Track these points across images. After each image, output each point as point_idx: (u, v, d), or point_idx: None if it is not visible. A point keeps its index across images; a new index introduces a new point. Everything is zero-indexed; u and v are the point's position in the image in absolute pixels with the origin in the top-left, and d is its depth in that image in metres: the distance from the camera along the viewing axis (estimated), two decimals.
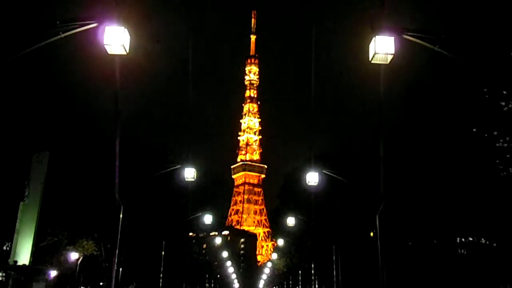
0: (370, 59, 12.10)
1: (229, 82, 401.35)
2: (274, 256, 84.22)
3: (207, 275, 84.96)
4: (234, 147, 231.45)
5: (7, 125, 26.36)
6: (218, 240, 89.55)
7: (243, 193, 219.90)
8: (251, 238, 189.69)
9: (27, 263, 24.39)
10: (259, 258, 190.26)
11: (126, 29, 11.89)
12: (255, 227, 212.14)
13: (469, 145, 23.25)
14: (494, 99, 15.58)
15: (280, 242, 70.25)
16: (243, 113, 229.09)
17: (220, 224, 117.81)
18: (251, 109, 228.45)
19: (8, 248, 28.21)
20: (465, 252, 30.99)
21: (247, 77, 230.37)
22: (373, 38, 11.89)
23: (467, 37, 13.40)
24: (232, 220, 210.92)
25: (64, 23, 11.77)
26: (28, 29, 11.93)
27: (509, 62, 12.67)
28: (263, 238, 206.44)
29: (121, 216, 27.29)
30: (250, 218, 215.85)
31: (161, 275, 41.16)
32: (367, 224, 33.61)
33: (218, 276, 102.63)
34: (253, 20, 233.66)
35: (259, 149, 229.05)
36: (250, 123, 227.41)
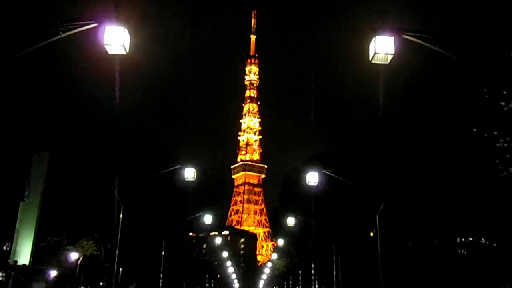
0: (370, 59, 12.11)
1: (229, 82, 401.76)
2: (274, 256, 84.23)
3: (207, 275, 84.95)
4: (234, 147, 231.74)
5: (7, 125, 26.34)
6: (218, 240, 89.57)
7: (243, 193, 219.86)
8: (251, 238, 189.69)
9: (27, 263, 24.38)
10: (259, 258, 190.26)
11: (126, 29, 11.90)
12: (255, 227, 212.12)
13: (469, 145, 23.24)
14: (494, 99, 15.58)
15: (280, 242, 70.29)
16: (243, 113, 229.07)
17: (220, 224, 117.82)
18: (251, 109, 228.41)
19: (8, 248, 28.19)
20: (465, 252, 30.96)
21: (247, 77, 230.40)
22: (373, 38, 11.90)
23: (467, 37, 13.41)
24: (232, 220, 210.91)
25: (64, 23, 11.77)
26: (28, 29, 11.93)
27: (509, 62, 12.67)
28: (263, 238, 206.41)
29: (121, 216, 27.30)
30: (250, 218, 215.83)
31: (161, 275, 41.17)
32: (367, 224, 33.60)
33: (218, 276, 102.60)
34: (253, 20, 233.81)
35: (259, 149, 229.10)
36: (250, 123, 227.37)
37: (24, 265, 24.30)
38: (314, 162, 38.32)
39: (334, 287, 41.14)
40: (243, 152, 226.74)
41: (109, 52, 12.06)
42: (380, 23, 12.11)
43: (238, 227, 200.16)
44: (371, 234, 33.80)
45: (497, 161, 16.69)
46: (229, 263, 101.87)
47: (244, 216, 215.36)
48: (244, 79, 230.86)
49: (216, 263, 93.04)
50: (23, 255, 24.40)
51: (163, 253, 40.61)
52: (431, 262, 31.12)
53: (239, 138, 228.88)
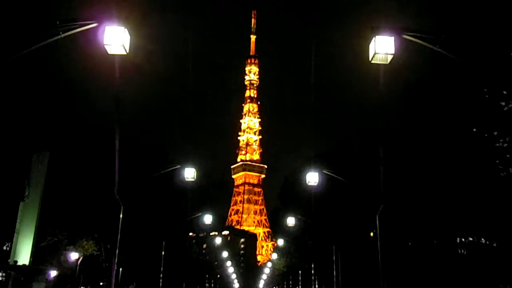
0: (370, 59, 12.11)
1: (229, 82, 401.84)
2: (274, 256, 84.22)
3: (207, 275, 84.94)
4: (234, 147, 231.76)
5: (7, 125, 26.34)
6: (218, 240, 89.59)
7: (243, 193, 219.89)
8: (251, 238, 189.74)
9: (27, 263, 24.33)
10: (259, 258, 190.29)
11: (126, 29, 11.89)
12: (255, 227, 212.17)
13: (469, 145, 23.24)
14: (494, 99, 15.56)
15: (280, 242, 70.28)
16: (243, 113, 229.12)
17: (220, 224, 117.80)
18: (251, 109, 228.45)
19: (8, 248, 28.18)
20: (465, 252, 30.98)
21: (247, 77, 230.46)
22: (373, 38, 11.89)
23: (467, 37, 13.40)
24: (232, 220, 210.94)
25: (64, 23, 11.77)
26: (28, 29, 11.93)
27: (509, 62, 12.66)
28: (263, 238, 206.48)
29: (121, 216, 27.28)
30: (250, 218, 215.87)
31: (161, 275, 41.16)
32: (367, 224, 33.59)
33: (218, 276, 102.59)
34: (253, 20, 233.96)
35: (259, 149, 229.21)
36: (250, 123, 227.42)
37: (24, 265, 24.25)
38: (314, 162, 38.32)
39: (334, 287, 41.13)
40: (243, 152, 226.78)
41: (109, 52, 12.06)
42: (380, 23, 12.12)
43: (238, 227, 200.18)
44: (371, 234, 33.79)
45: (497, 161, 16.68)
46: (229, 263, 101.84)
47: (244, 216, 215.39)
48: (244, 79, 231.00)
49: (216, 263, 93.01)
50: (23, 255, 24.34)
51: (163, 253, 40.59)
52: (431, 262, 31.13)
53: (239, 138, 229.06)
